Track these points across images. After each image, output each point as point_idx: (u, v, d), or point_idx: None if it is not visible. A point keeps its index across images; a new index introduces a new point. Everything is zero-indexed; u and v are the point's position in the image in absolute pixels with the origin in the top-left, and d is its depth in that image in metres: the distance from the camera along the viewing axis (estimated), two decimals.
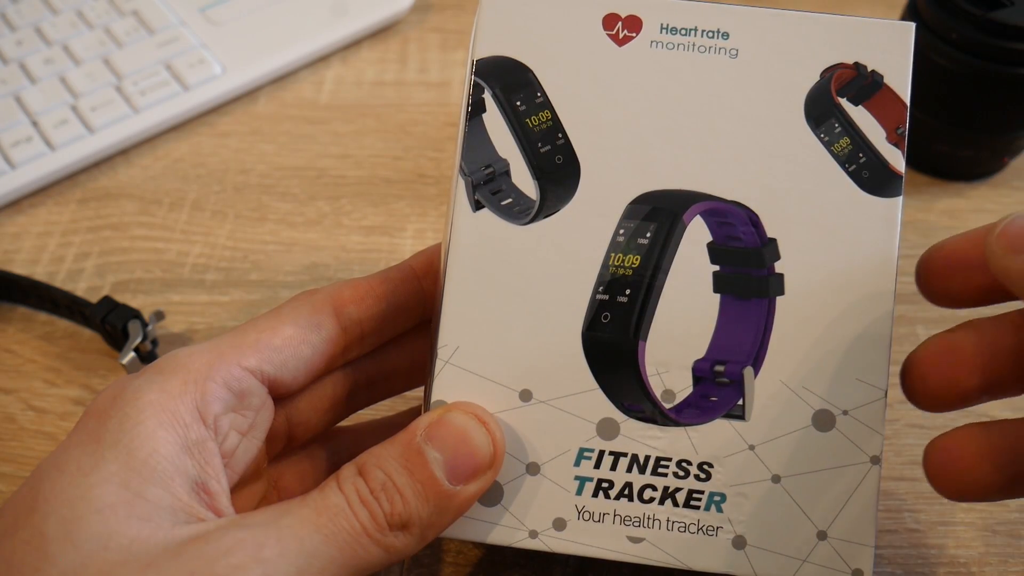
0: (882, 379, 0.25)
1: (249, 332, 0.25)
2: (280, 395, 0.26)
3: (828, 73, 0.26)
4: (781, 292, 0.25)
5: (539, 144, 0.26)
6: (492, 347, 0.26)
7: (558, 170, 0.26)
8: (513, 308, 0.26)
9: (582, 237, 0.26)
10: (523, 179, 0.26)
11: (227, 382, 0.24)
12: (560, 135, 0.26)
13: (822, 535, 0.25)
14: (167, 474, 0.22)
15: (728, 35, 0.26)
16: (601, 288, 0.25)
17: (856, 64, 0.26)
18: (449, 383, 0.25)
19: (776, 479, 0.25)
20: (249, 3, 0.50)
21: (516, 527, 0.25)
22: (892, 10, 0.42)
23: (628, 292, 0.25)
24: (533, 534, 0.25)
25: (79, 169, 0.44)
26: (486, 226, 0.26)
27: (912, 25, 0.26)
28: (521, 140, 0.26)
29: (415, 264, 0.28)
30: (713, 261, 0.26)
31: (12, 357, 0.37)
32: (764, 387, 0.25)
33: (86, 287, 0.39)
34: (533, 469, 0.25)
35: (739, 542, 0.25)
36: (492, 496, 0.25)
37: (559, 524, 0.25)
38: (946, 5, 0.37)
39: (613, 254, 0.26)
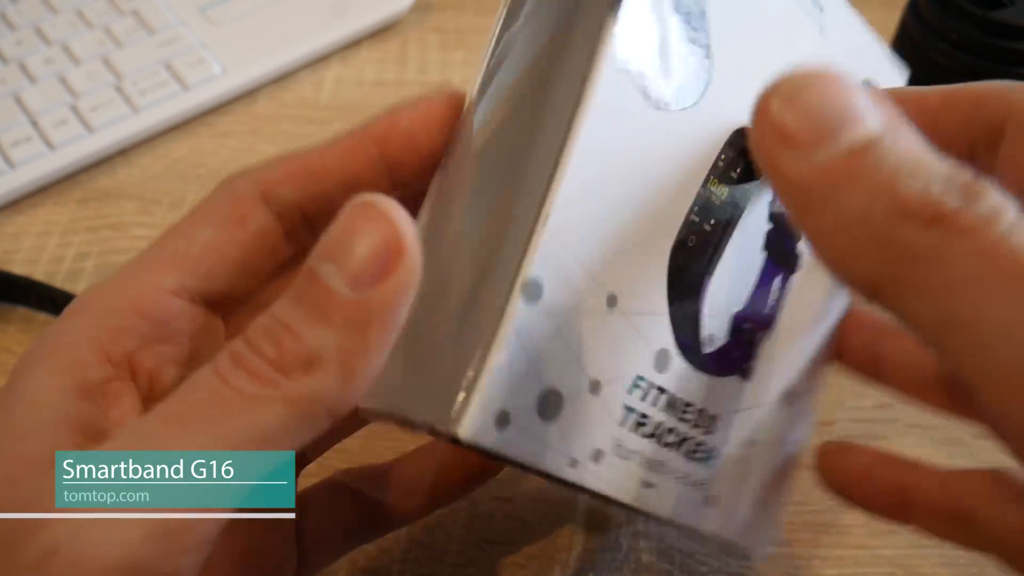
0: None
1: (163, 245, 0.21)
2: (229, 307, 0.22)
3: None
4: (797, 268, 0.25)
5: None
6: (594, 235, 0.21)
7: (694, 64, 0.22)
8: (622, 199, 0.21)
9: (694, 147, 0.22)
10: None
11: (140, 310, 0.20)
12: (703, 28, 0.22)
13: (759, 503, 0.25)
14: (48, 425, 0.19)
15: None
16: (696, 209, 0.22)
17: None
18: (546, 258, 0.20)
19: (752, 444, 0.25)
20: (249, 3, 0.50)
21: (562, 452, 0.21)
22: (892, 10, 0.42)
23: (712, 222, 0.23)
24: (573, 463, 0.21)
25: (79, 169, 0.44)
26: (627, 93, 0.20)
27: (906, 72, 0.27)
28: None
29: (375, 129, 0.23)
30: (768, 219, 0.25)
31: (12, 357, 0.37)
32: (767, 356, 0.25)
33: (86, 287, 0.39)
34: (595, 388, 0.21)
35: (714, 501, 0.24)
36: (552, 407, 0.20)
37: (596, 456, 0.22)
38: (946, 5, 0.37)
39: (712, 177, 0.23)
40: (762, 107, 0.17)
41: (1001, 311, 0.14)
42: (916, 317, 0.15)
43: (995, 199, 0.15)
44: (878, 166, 0.15)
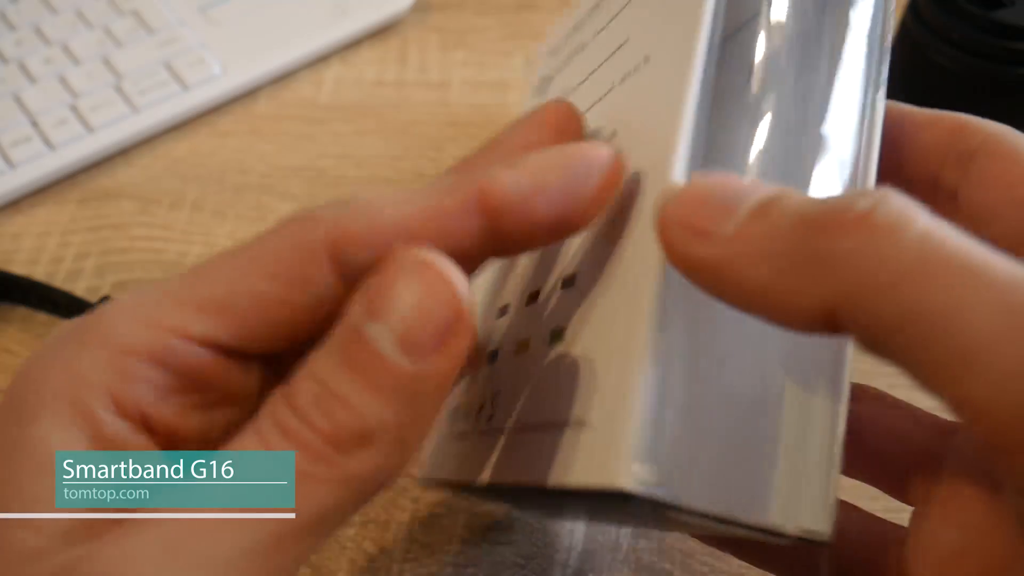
0: None
1: (203, 282, 0.18)
2: (259, 362, 0.19)
3: None
4: None
5: None
6: None
7: None
8: None
9: None
10: None
11: (160, 359, 0.17)
12: None
13: None
14: None
15: None
16: None
17: None
18: None
19: None
20: (249, 3, 0.50)
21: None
22: None
23: None
24: None
25: (78, 169, 0.44)
26: None
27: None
28: None
29: (487, 190, 0.18)
30: None
31: (12, 357, 0.37)
32: None
33: (86, 287, 0.39)
34: None
35: None
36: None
37: None
38: (946, 5, 0.37)
39: None
40: (661, 214, 0.16)
41: (941, 299, 0.14)
42: (870, 327, 0.15)
43: (899, 199, 0.15)
44: (784, 209, 0.15)
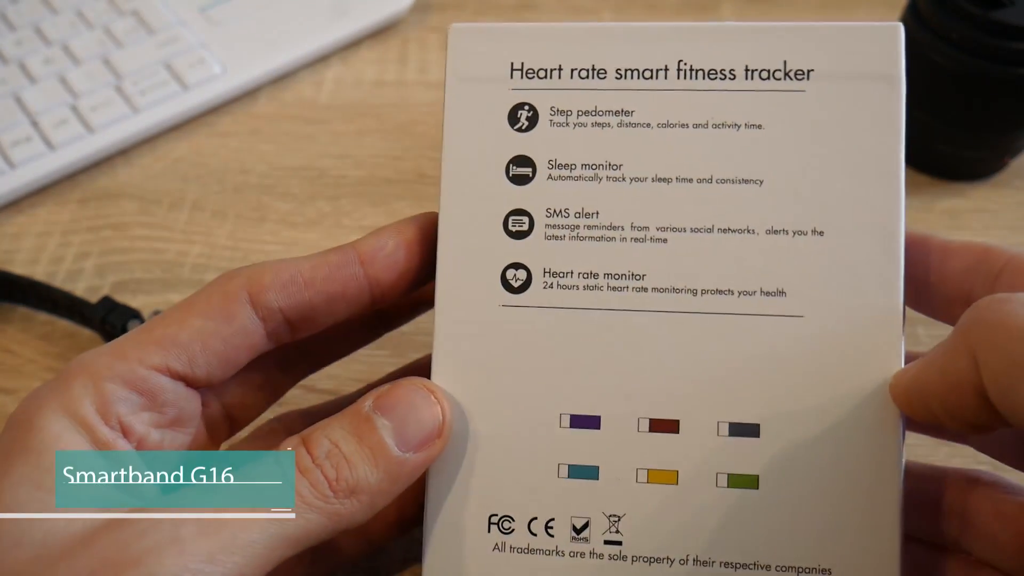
0: None
1: (156, 327, 0.23)
2: (204, 387, 0.25)
3: None
4: None
5: None
6: None
7: None
8: None
9: None
10: None
11: (129, 382, 0.23)
12: None
13: None
14: None
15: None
16: None
17: None
18: None
19: None
20: (249, 3, 0.50)
21: None
22: (892, 10, 0.42)
23: None
24: None
25: (79, 169, 0.44)
26: None
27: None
28: None
29: (361, 249, 0.25)
30: None
31: (12, 357, 0.37)
32: None
33: (86, 287, 0.39)
34: None
35: None
36: None
37: None
38: (946, 5, 0.37)
39: None
40: (892, 382, 0.24)
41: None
42: (1001, 385, 0.19)
43: (1006, 295, 0.20)
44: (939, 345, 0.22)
